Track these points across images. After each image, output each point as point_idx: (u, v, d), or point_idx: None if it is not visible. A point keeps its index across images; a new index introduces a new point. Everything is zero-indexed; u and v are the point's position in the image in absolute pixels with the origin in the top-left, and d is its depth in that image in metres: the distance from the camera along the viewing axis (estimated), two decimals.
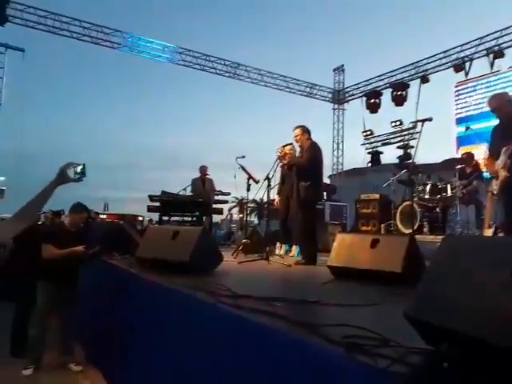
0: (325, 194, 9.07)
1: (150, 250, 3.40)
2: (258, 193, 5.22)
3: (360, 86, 13.47)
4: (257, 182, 5.47)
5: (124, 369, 2.90)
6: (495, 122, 4.03)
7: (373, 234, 5.49)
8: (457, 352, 1.17)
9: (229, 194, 7.79)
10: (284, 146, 5.10)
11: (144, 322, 2.67)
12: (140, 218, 11.42)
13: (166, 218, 6.75)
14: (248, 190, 5.51)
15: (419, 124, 7.16)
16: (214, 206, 7.52)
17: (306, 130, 4.91)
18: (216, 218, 8.16)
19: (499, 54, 9.20)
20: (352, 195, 8.62)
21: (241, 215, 7.22)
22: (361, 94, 13.16)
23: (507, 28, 9.19)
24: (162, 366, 2.32)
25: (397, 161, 9.79)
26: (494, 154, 3.78)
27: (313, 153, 4.78)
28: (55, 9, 10.58)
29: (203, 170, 8.08)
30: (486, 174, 5.02)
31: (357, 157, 13.25)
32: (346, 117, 14.66)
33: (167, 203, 6.45)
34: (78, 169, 1.98)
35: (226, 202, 8.02)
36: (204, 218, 7.13)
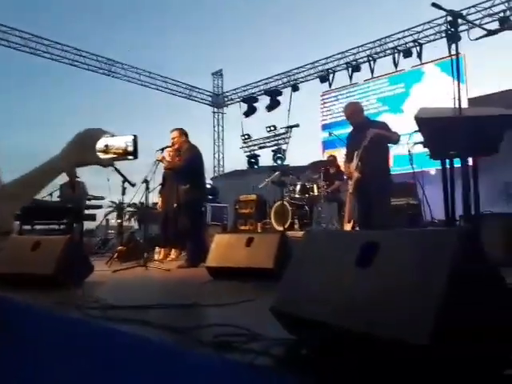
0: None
1: (6, 264, 2.99)
2: (136, 196, 5.01)
3: (238, 91, 13.89)
4: (133, 185, 5.24)
5: None
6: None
7: (249, 232, 5.72)
8: (315, 339, 1.28)
9: (103, 198, 7.30)
10: (162, 150, 4.98)
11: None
12: None
13: (28, 227, 6.03)
14: (123, 193, 5.24)
15: (289, 129, 7.70)
16: (86, 211, 6.97)
17: (183, 133, 4.87)
18: (91, 224, 7.58)
19: (356, 68, 10.41)
20: (234, 196, 8.88)
21: (119, 221, 6.86)
22: (239, 99, 13.58)
23: (363, 45, 10.44)
24: None
25: (272, 163, 10.36)
26: (349, 158, 4.26)
27: (190, 155, 4.75)
28: None
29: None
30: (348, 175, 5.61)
31: (238, 159, 13.66)
32: (227, 120, 15.01)
33: (29, 210, 5.76)
34: (120, 142, 1.04)
35: (99, 207, 7.50)
36: (74, 225, 6.55)
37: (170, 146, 4.86)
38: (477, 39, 2.34)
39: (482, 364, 1.00)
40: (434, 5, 2.00)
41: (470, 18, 8.29)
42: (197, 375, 1.30)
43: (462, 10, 8.24)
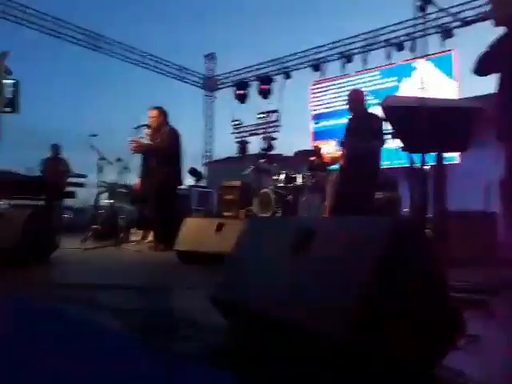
0: (191, 180, 9.07)
1: None
2: (111, 175, 4.95)
3: (230, 75, 13.69)
4: (111, 163, 5.16)
5: None
6: (342, 120, 4.45)
7: (229, 219, 5.61)
8: (243, 327, 1.25)
9: (84, 176, 7.18)
10: (138, 127, 4.86)
11: None
12: None
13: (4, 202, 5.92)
14: (100, 171, 5.17)
15: (279, 116, 7.60)
16: (68, 188, 6.86)
17: (163, 113, 4.77)
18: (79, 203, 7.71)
19: (348, 59, 10.29)
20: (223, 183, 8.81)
21: (111, 201, 6.78)
22: (231, 84, 13.40)
23: (356, 36, 10.30)
24: None
25: (260, 151, 10.27)
26: (340, 145, 4.24)
27: (173, 139, 4.70)
28: None
29: (56, 148, 7.31)
30: (333, 167, 5.51)
31: (229, 145, 13.48)
32: (218, 105, 14.81)
33: (5, 185, 5.64)
34: None
35: (82, 185, 7.38)
36: (54, 202, 6.45)
37: (146, 125, 4.74)
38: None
39: (404, 361, 0.98)
40: None
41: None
42: (123, 359, 1.26)
43: (456, 6, 8.18)
